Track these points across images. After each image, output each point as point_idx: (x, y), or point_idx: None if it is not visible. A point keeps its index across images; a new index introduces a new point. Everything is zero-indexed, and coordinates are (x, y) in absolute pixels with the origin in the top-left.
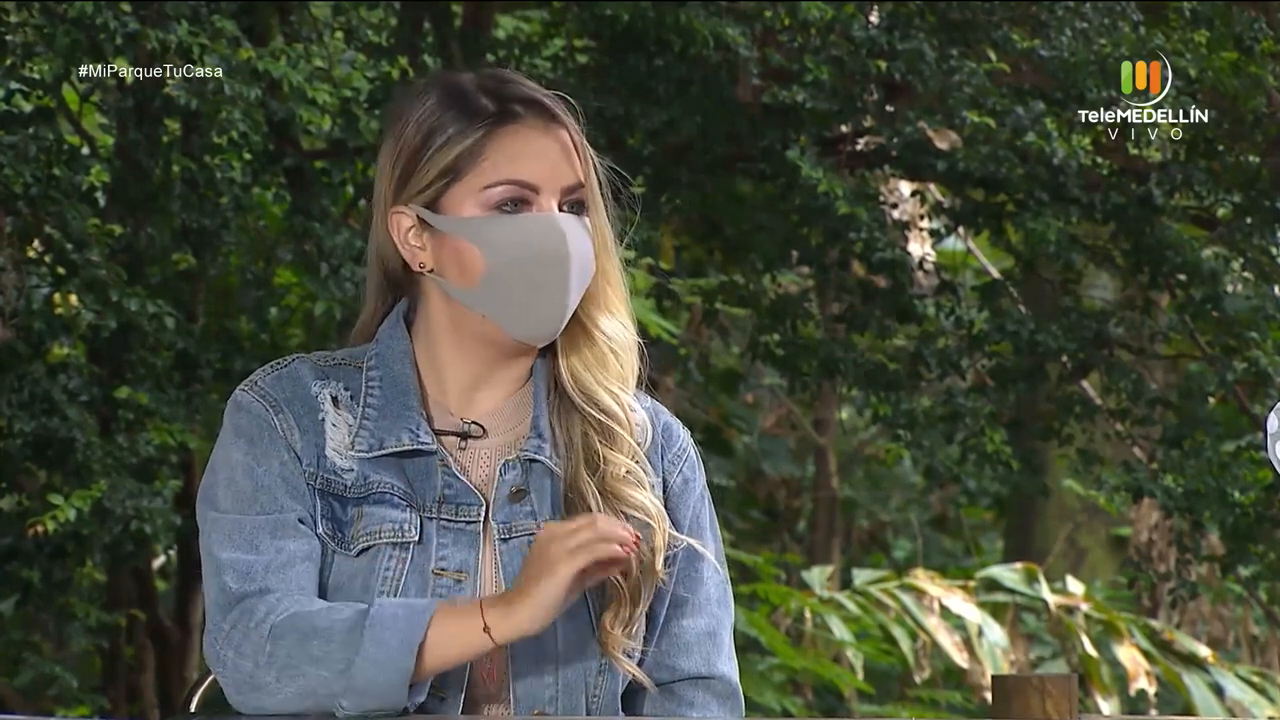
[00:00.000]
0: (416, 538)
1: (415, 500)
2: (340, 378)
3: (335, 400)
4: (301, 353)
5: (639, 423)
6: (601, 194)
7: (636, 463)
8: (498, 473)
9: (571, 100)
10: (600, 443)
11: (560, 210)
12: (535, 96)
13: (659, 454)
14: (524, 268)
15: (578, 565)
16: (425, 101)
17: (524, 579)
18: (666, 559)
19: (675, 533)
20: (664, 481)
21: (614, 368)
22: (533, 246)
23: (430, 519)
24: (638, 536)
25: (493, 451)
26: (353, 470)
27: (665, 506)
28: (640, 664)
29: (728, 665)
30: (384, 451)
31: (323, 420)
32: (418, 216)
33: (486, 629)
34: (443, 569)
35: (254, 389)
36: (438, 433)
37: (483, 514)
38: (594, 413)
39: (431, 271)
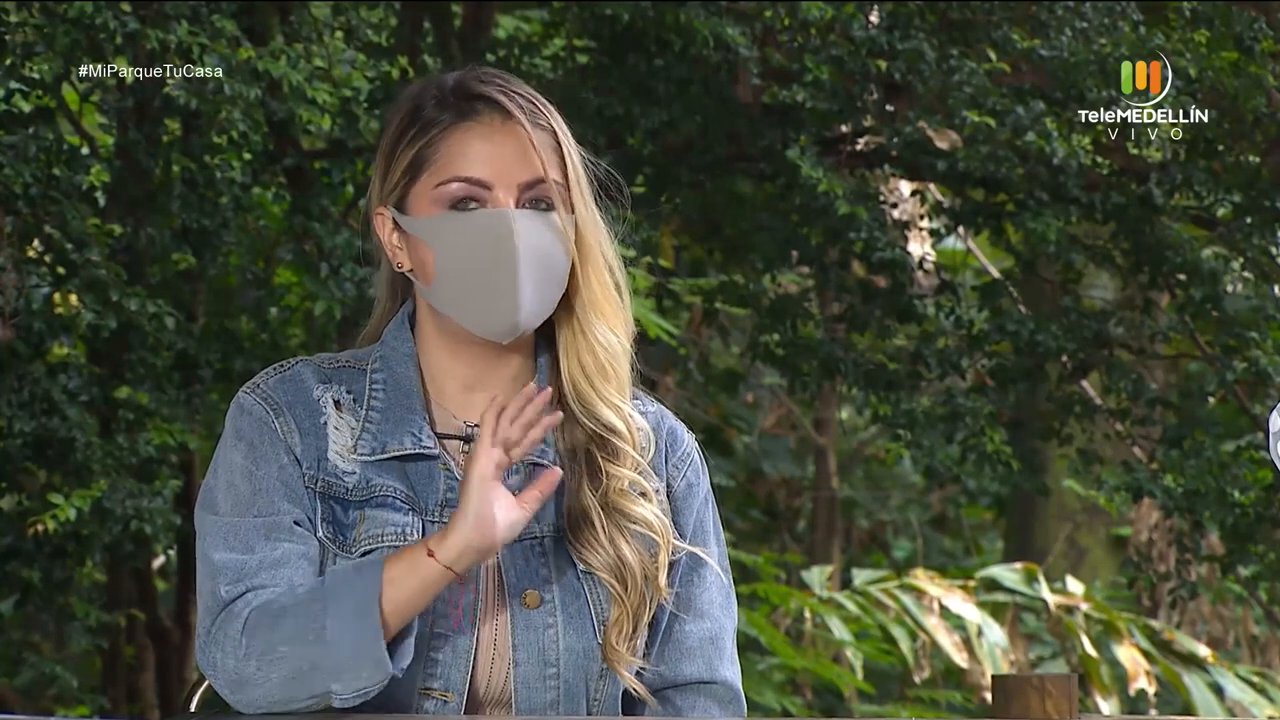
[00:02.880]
0: (419, 541)
1: (417, 504)
2: (343, 380)
3: (338, 404)
4: (305, 355)
5: (641, 428)
6: (595, 197)
7: (640, 474)
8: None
9: (541, 101)
10: (603, 458)
11: (521, 207)
12: (493, 95)
13: (663, 458)
14: (471, 264)
15: (485, 466)
16: (406, 102)
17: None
18: (669, 565)
19: (679, 542)
20: (668, 486)
21: (613, 378)
22: (478, 242)
23: (433, 522)
24: (541, 389)
25: None
26: (355, 473)
27: (669, 510)
28: (642, 669)
29: (730, 670)
30: (386, 455)
31: (324, 424)
32: (392, 217)
33: (430, 554)
34: None
35: (256, 392)
36: (440, 436)
37: None
38: (595, 427)
39: (411, 271)
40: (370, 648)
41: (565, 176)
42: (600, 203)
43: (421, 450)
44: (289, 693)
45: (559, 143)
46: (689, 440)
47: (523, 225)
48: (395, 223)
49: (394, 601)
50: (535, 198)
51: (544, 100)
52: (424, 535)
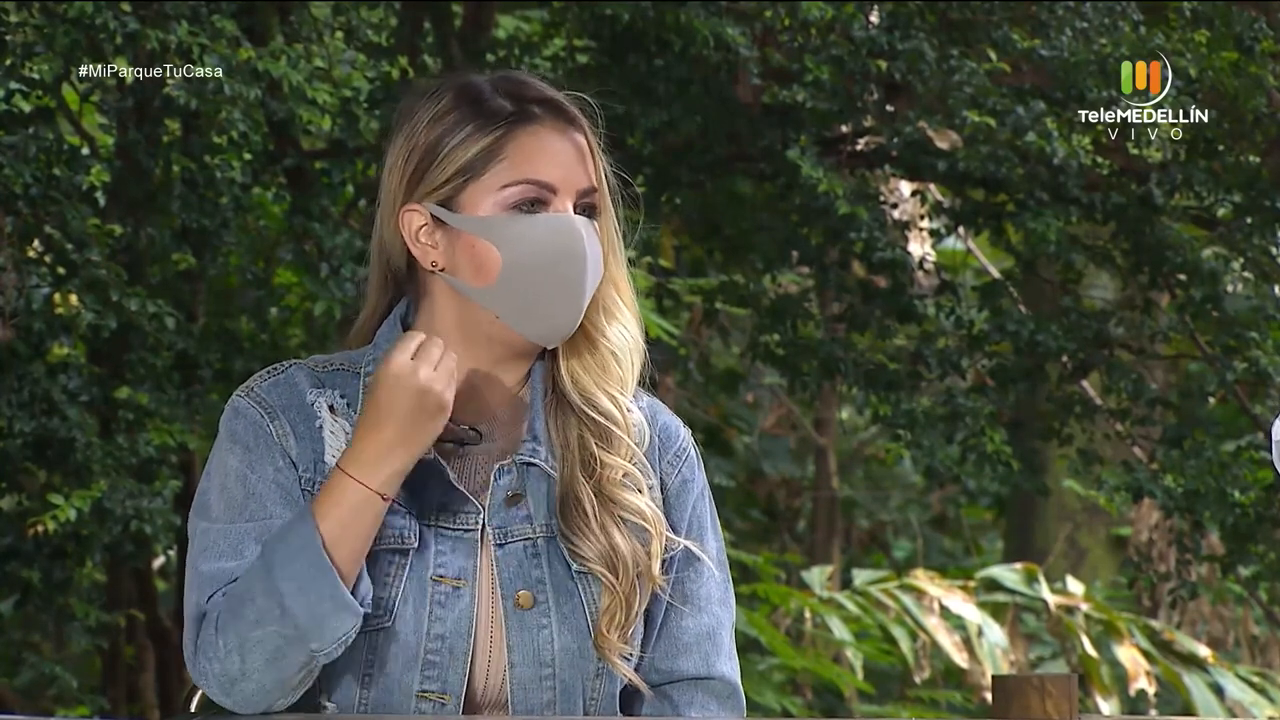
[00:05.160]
0: (415, 544)
1: (414, 507)
2: (336, 385)
3: (332, 408)
4: (298, 358)
5: (635, 424)
6: (611, 199)
7: (634, 464)
8: (493, 478)
9: (591, 101)
10: (597, 445)
11: (574, 212)
12: (553, 97)
13: (657, 454)
14: (541, 268)
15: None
16: (439, 100)
17: (389, 419)
18: (664, 562)
19: (672, 535)
20: (662, 482)
21: (614, 372)
22: (551, 247)
23: (428, 526)
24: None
25: (490, 457)
26: None
27: (664, 506)
28: (639, 665)
29: (727, 665)
30: None
31: (319, 427)
32: (431, 214)
33: (371, 489)
34: (441, 575)
35: (250, 395)
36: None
37: (480, 520)
38: (592, 414)
39: (443, 271)
40: (335, 599)
41: (599, 182)
42: (618, 208)
43: None
44: (278, 674)
45: (597, 148)
46: (684, 435)
47: (586, 234)
48: (435, 219)
49: (348, 555)
50: (588, 205)
51: (587, 104)
52: (420, 538)
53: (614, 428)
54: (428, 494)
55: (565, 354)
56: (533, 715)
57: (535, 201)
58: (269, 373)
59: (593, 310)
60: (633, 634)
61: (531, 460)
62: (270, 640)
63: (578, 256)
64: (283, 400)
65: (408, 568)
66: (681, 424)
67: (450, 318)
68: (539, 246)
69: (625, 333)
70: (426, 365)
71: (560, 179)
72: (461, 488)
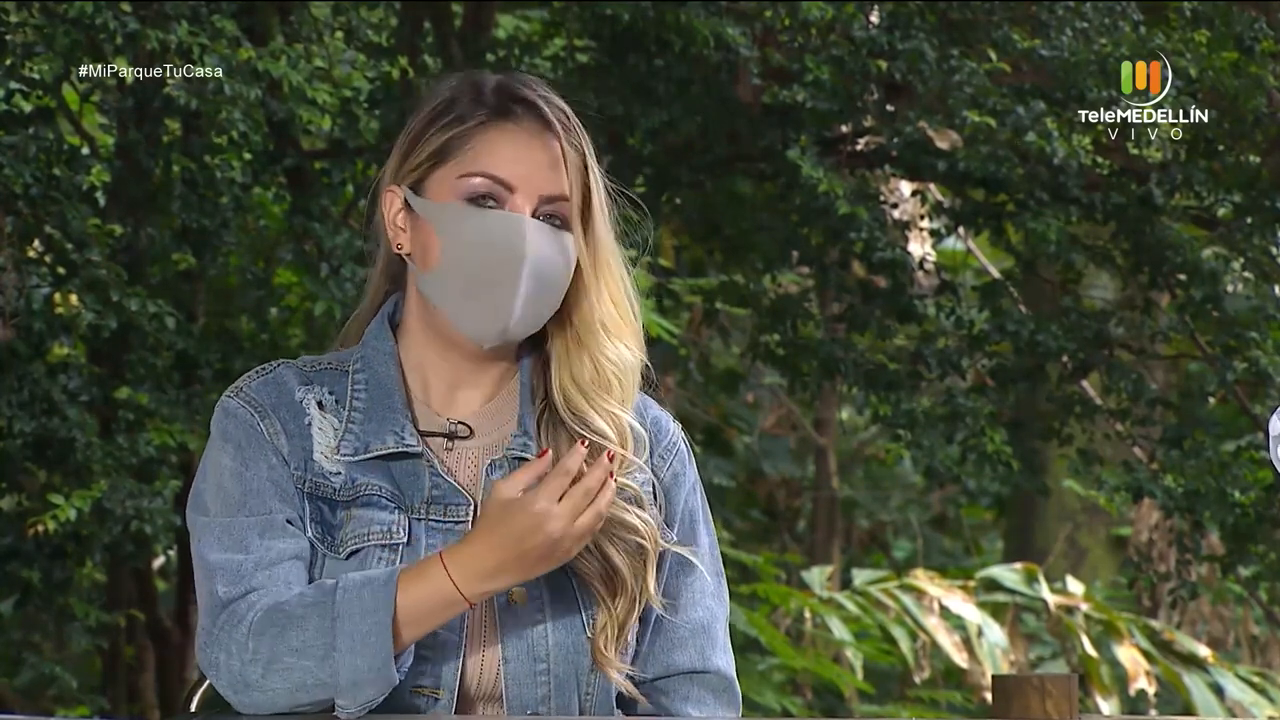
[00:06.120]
0: (405, 539)
1: (403, 502)
2: (325, 382)
3: (320, 405)
4: (287, 358)
5: (639, 437)
6: (607, 213)
7: (628, 476)
8: (484, 473)
9: (575, 118)
10: (587, 464)
11: (535, 217)
12: (535, 101)
13: (648, 449)
14: (476, 262)
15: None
16: (443, 90)
17: (513, 549)
18: (659, 557)
19: (665, 542)
20: (654, 477)
21: (615, 392)
22: (488, 242)
23: (418, 520)
24: (586, 445)
25: (479, 451)
26: (340, 474)
27: (656, 501)
28: (635, 659)
29: (723, 659)
30: (369, 455)
31: (309, 425)
32: (404, 198)
33: (463, 598)
34: None
35: (240, 395)
36: (423, 434)
37: (471, 514)
38: (583, 433)
39: (410, 255)
40: (380, 672)
41: (587, 198)
42: (614, 222)
43: (404, 449)
44: (293, 700)
45: (585, 164)
46: (674, 430)
47: (534, 235)
48: (406, 203)
49: (409, 635)
50: (552, 213)
51: (577, 119)
52: (410, 533)
53: (608, 445)
54: (417, 488)
55: (559, 369)
56: (527, 710)
57: (488, 196)
58: (258, 373)
59: (589, 328)
60: (627, 642)
61: (523, 455)
62: (301, 674)
63: (517, 257)
64: (272, 399)
65: (398, 562)
66: (672, 419)
67: (421, 312)
68: (478, 240)
69: (625, 351)
70: (568, 516)
71: (521, 179)
72: (452, 481)
